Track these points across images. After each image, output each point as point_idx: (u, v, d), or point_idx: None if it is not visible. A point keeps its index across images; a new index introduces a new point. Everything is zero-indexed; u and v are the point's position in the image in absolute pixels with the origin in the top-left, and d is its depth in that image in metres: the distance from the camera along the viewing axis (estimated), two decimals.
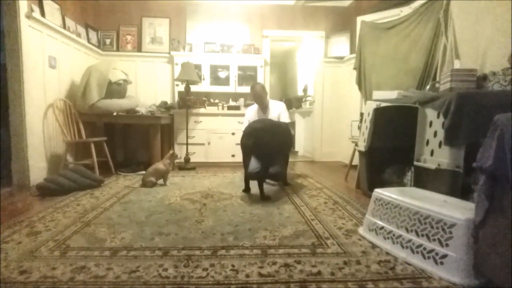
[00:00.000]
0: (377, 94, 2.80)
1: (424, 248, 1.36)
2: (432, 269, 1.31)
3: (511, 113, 1.08)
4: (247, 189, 2.74)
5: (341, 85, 4.86)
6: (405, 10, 3.39)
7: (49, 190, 2.60)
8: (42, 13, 3.20)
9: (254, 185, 2.61)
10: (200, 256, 1.47)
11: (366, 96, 3.57)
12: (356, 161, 3.11)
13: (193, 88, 4.39)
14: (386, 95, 2.60)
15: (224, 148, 4.48)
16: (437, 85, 2.34)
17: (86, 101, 3.51)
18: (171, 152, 3.17)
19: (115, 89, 3.71)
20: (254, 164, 2.43)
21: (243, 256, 1.47)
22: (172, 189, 2.88)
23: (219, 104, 4.63)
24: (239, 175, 3.54)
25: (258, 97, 3.29)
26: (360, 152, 2.81)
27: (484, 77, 2.01)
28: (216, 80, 4.80)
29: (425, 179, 1.93)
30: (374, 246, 1.59)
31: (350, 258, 1.45)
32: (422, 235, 1.39)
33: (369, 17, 3.92)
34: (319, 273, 1.31)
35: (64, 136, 3.35)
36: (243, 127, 3.28)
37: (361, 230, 1.77)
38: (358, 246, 1.59)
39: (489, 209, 1.13)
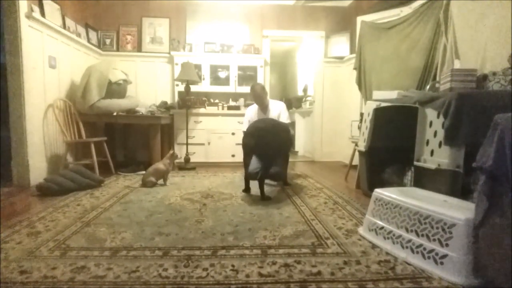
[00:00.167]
0: (377, 94, 2.80)
1: (424, 248, 1.36)
2: (432, 269, 1.31)
3: (511, 113, 1.08)
4: (247, 189, 2.74)
5: (341, 85, 4.86)
6: (405, 10, 3.39)
7: (49, 190, 2.59)
8: (42, 13, 3.20)
9: (254, 185, 2.61)
10: (200, 256, 1.47)
11: (366, 96, 3.57)
12: (356, 161, 3.11)
13: (193, 88, 4.39)
14: (386, 95, 2.60)
15: (224, 148, 4.48)
16: (437, 85, 2.34)
17: (86, 101, 3.51)
18: (171, 152, 3.17)
19: (115, 89, 3.71)
20: (254, 164, 2.42)
21: (243, 256, 1.48)
22: (172, 189, 2.88)
23: (219, 104, 4.64)
24: (239, 175, 3.54)
25: (258, 97, 3.29)
26: (360, 152, 2.81)
27: (484, 77, 2.01)
28: (216, 80, 4.80)
29: (425, 179, 1.93)
30: (374, 246, 1.59)
31: (350, 258, 1.45)
32: (422, 235, 1.39)
33: (369, 17, 3.92)
34: (319, 273, 1.31)
35: (64, 136, 3.35)
36: (243, 127, 3.30)
37: (361, 230, 1.77)
38: (358, 246, 1.59)
39: (489, 209, 1.13)
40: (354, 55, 4.19)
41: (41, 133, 3.19)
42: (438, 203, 1.46)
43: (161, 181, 3.06)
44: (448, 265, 1.27)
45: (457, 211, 1.33)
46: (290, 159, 3.53)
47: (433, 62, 2.84)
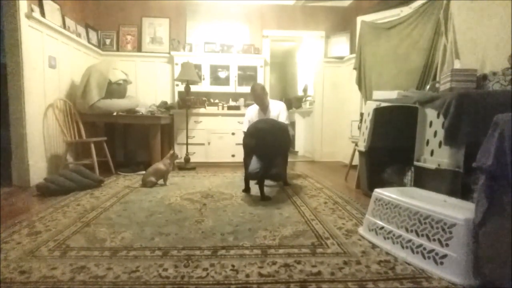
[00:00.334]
0: (377, 94, 2.79)
1: (424, 248, 1.36)
2: (432, 269, 1.31)
3: (511, 113, 1.08)
4: (247, 189, 2.74)
5: (341, 85, 4.87)
6: (405, 10, 3.39)
7: (49, 190, 2.60)
8: (42, 13, 3.20)
9: (254, 185, 2.61)
10: (200, 256, 1.47)
11: (366, 96, 3.57)
12: (356, 161, 3.11)
13: (193, 88, 4.39)
14: (386, 95, 2.60)
15: (224, 148, 4.48)
16: (437, 85, 2.34)
17: (86, 101, 3.51)
18: (171, 152, 3.17)
19: (115, 89, 3.71)
20: (254, 164, 2.42)
21: (243, 256, 1.48)
22: (172, 189, 2.88)
23: (219, 104, 4.64)
24: (239, 175, 3.54)
25: (258, 97, 3.29)
26: (360, 152, 2.81)
27: (484, 77, 2.01)
28: (216, 80, 4.80)
29: (425, 179, 1.93)
30: (374, 246, 1.59)
31: (350, 258, 1.45)
32: (422, 235, 1.39)
33: (369, 17, 3.92)
34: (319, 273, 1.31)
35: (64, 136, 3.35)
36: (243, 127, 3.30)
37: (361, 230, 1.77)
38: (358, 246, 1.59)
39: (489, 209, 1.13)
40: (354, 55, 4.19)
41: (41, 133, 3.19)
42: (438, 203, 1.46)
43: (161, 181, 3.06)
44: (448, 265, 1.27)
45: (457, 211, 1.33)
46: (290, 159, 3.53)
47: (433, 62, 2.84)
